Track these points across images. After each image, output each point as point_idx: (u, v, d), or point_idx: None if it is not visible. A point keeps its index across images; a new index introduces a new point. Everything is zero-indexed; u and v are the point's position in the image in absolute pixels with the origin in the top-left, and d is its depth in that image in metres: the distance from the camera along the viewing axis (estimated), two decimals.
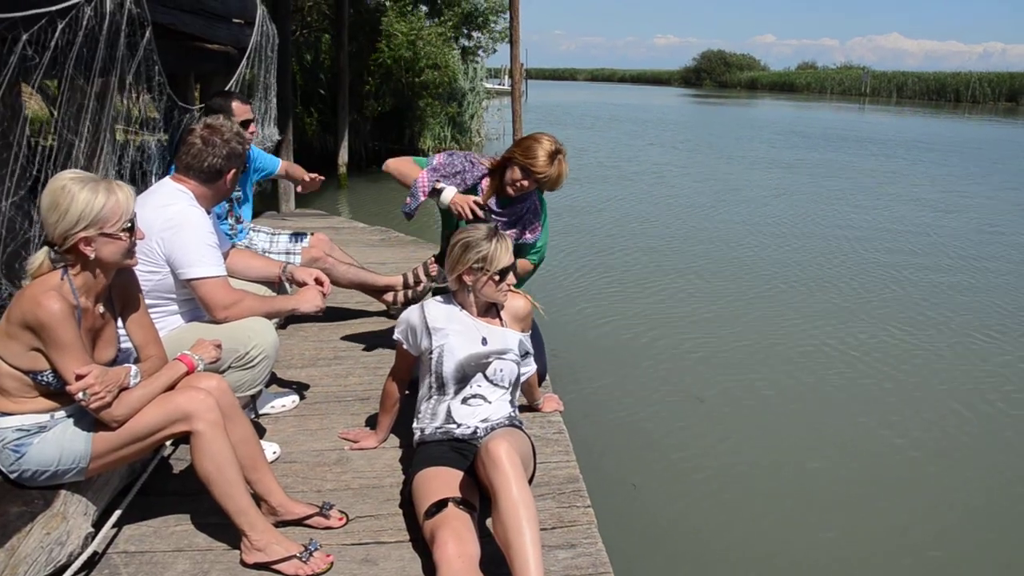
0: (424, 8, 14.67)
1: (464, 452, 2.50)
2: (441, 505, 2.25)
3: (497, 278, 2.60)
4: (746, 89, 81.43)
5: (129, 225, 2.08)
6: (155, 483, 2.70)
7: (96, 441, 2.12)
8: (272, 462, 2.81)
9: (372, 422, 3.13)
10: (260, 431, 3.06)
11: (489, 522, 2.44)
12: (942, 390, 5.15)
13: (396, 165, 3.57)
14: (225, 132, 2.77)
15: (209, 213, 2.82)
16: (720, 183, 14.40)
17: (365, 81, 14.19)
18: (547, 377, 3.58)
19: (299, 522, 2.42)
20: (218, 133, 2.75)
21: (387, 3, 14.70)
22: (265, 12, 5.30)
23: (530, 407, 3.23)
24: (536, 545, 2.04)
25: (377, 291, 4.28)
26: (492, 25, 16.96)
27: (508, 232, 3.29)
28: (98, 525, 2.29)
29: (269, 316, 2.78)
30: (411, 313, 2.71)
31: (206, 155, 2.73)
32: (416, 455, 2.56)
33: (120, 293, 2.28)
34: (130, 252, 2.14)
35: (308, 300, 2.94)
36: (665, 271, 7.93)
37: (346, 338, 4.23)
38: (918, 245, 9.35)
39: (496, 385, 2.63)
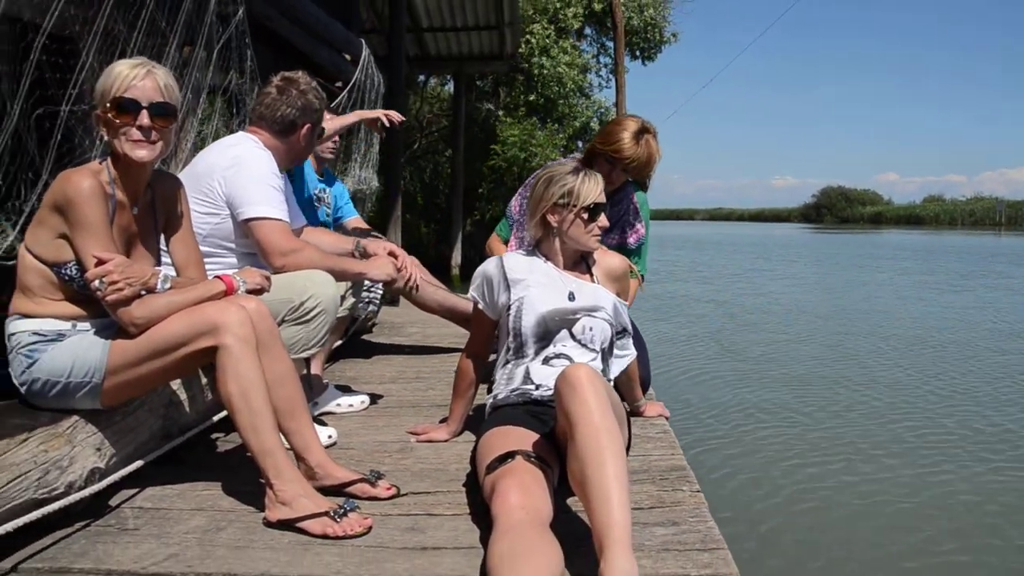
0: (536, 118, 15.03)
1: (543, 417, 2.04)
2: (506, 458, 1.80)
3: (586, 216, 2.23)
4: (870, 223, 78.97)
5: (137, 107, 1.82)
6: (194, 456, 2.38)
7: (113, 350, 1.83)
8: (325, 447, 2.43)
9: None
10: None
11: (570, 501, 1.96)
12: None
13: (487, 251, 3.30)
14: (302, 83, 2.61)
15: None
16: (853, 292, 13.58)
17: (479, 186, 14.49)
18: (651, 389, 3.08)
19: (339, 489, 2.01)
20: (294, 84, 2.59)
21: (500, 112, 15.20)
22: (370, 55, 5.40)
23: (629, 410, 2.73)
24: (621, 483, 1.55)
25: (465, 319, 3.93)
26: None
27: (608, 238, 2.93)
28: (114, 473, 1.97)
29: (333, 274, 2.48)
30: (488, 265, 2.35)
31: (280, 104, 2.56)
32: (485, 422, 2.13)
33: (164, 203, 2.05)
34: (138, 141, 1.84)
35: (379, 266, 2.65)
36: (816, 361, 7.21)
37: (432, 363, 3.89)
38: None
39: (584, 346, 2.20)
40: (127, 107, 1.82)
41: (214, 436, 2.59)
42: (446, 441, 2.53)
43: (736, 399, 5.98)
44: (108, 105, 1.82)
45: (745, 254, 26.42)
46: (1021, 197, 73.40)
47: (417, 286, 2.98)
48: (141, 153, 1.85)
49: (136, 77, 1.83)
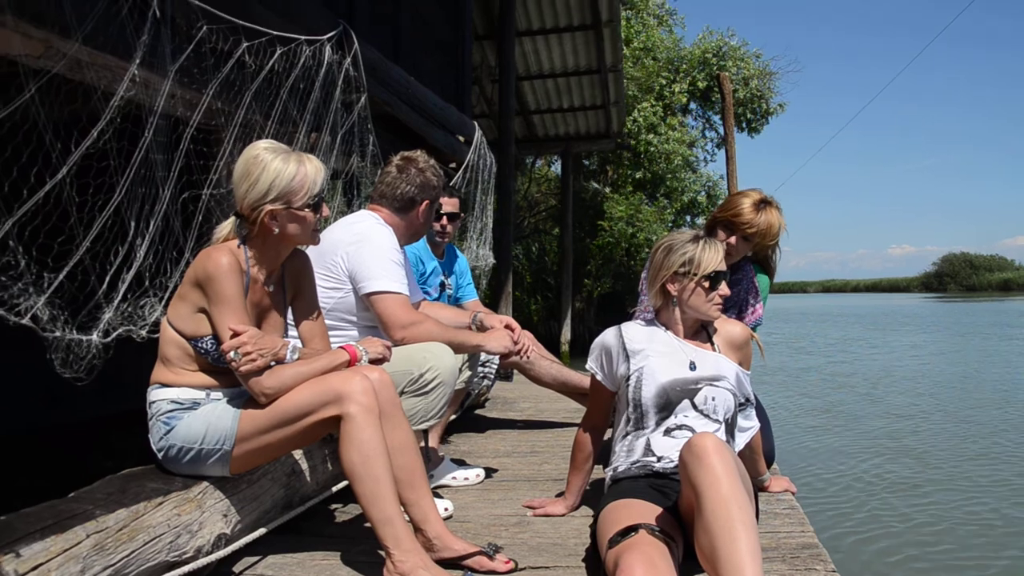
0: (642, 194, 15.06)
1: (665, 490, 1.97)
2: (629, 532, 1.73)
3: (707, 284, 2.17)
4: (999, 291, 73.86)
5: (315, 201, 1.98)
6: (313, 526, 2.40)
7: (243, 419, 1.90)
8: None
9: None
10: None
11: None
12: None
13: None
14: (420, 162, 2.70)
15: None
16: (985, 362, 12.74)
17: (587, 263, 14.55)
18: (775, 464, 2.92)
19: (458, 562, 1.97)
20: (413, 163, 2.70)
21: (608, 189, 15.32)
22: (483, 136, 5.58)
23: (755, 485, 2.59)
24: (754, 556, 1.46)
25: (580, 394, 3.88)
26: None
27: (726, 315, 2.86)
28: (238, 539, 2.01)
29: (451, 346, 2.50)
30: (607, 335, 2.32)
31: (400, 183, 2.66)
32: (606, 495, 2.06)
33: (293, 278, 2.14)
34: (314, 232, 2.03)
35: (496, 338, 2.67)
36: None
37: (546, 438, 3.84)
38: None
39: (707, 417, 2.12)
40: (319, 205, 1.99)
41: (333, 507, 2.62)
42: (563, 515, 2.46)
43: (861, 473, 5.65)
44: (305, 202, 1.95)
45: (866, 325, 25.25)
46: None
47: (534, 355, 2.99)
48: (318, 240, 2.06)
49: (319, 173, 1.98)
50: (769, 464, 2.79)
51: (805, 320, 27.92)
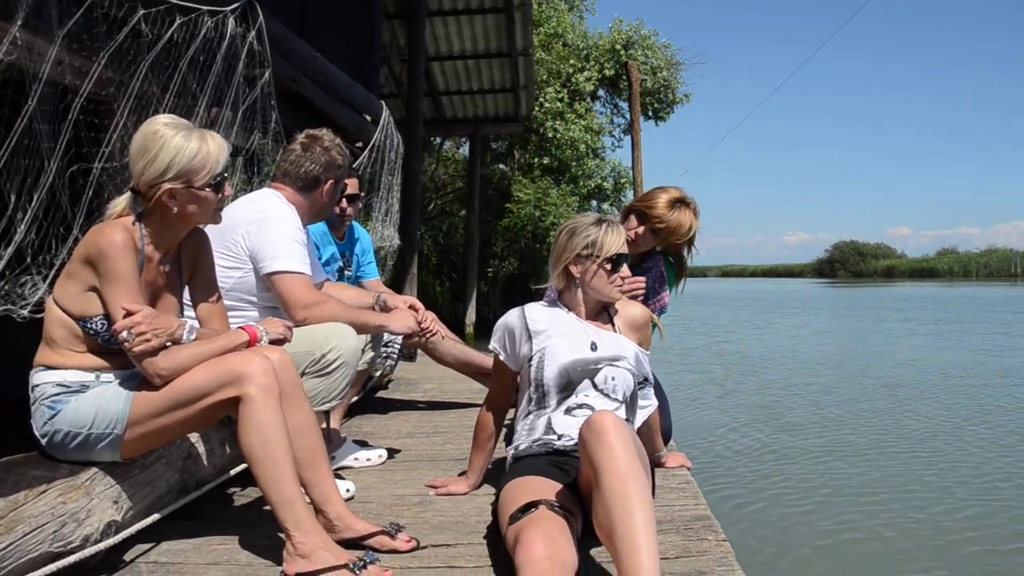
0: (549, 179, 15.21)
1: (565, 467, 2.02)
2: (530, 508, 1.77)
3: (608, 267, 2.23)
4: (883, 277, 78.70)
5: (217, 180, 1.92)
6: (210, 510, 2.35)
7: (136, 401, 1.83)
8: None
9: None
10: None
11: (594, 551, 1.92)
12: None
13: None
14: (326, 141, 2.65)
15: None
16: (870, 341, 13.69)
17: (493, 245, 14.60)
18: (672, 441, 3.04)
19: (359, 541, 1.97)
20: (318, 142, 2.64)
21: (515, 173, 15.41)
22: (390, 117, 5.51)
23: (652, 461, 2.68)
24: (649, 529, 1.52)
25: (483, 374, 3.91)
26: (620, 199, 17.30)
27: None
28: (130, 526, 1.94)
29: (354, 327, 2.48)
30: (510, 316, 2.35)
31: (304, 161, 2.60)
32: (507, 473, 2.10)
33: (190, 257, 2.08)
34: (215, 211, 1.97)
35: (400, 318, 2.66)
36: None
37: (449, 418, 3.86)
38: None
39: (607, 396, 2.18)
40: (221, 184, 1.94)
41: (231, 490, 2.56)
42: (465, 494, 2.49)
43: (757, 448, 5.95)
44: (206, 182, 1.89)
45: (757, 308, 26.62)
46: None
47: (437, 336, 2.99)
48: (219, 219, 2.01)
49: (222, 152, 1.92)
50: (666, 440, 2.89)
51: (701, 303, 29.12)
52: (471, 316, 13.47)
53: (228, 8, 3.09)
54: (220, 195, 1.96)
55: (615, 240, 2.23)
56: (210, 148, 1.90)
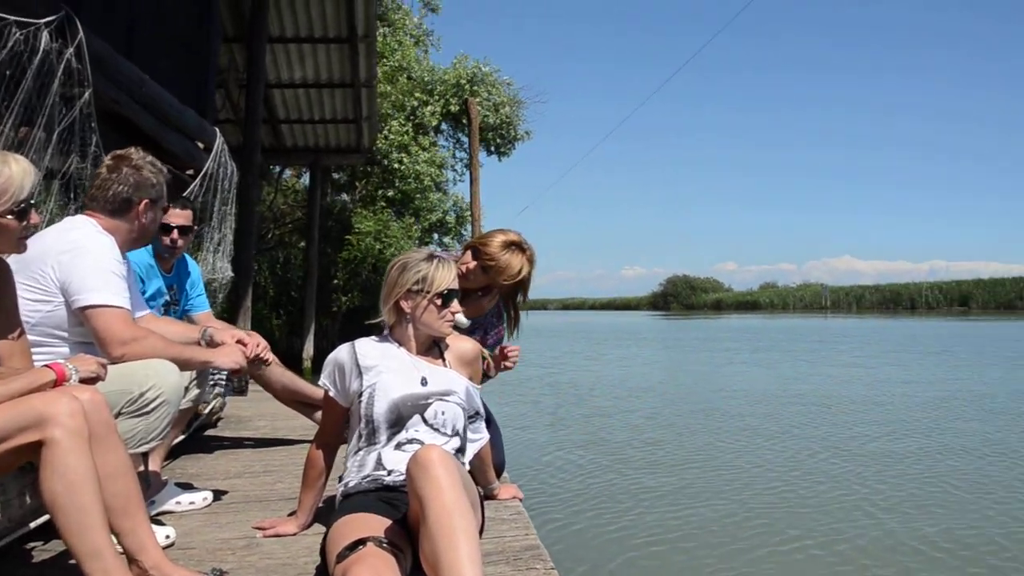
0: (391, 211, 15.17)
1: (395, 503, 2.02)
2: (357, 545, 1.76)
3: (439, 303, 2.28)
4: (712, 309, 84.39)
5: (20, 207, 1.79)
6: (7, 569, 2.16)
7: None
8: (163, 548, 2.27)
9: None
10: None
11: None
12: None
13: None
14: (134, 159, 2.51)
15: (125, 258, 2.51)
16: (697, 371, 14.62)
17: (333, 277, 14.34)
18: (505, 473, 3.10)
19: None
20: (126, 160, 2.49)
21: (357, 205, 15.27)
22: (224, 144, 5.32)
23: (483, 494, 2.73)
24: (474, 562, 1.56)
25: (311, 407, 3.81)
26: (462, 233, 17.52)
27: (473, 336, 2.99)
28: None
29: (177, 363, 2.37)
30: (340, 352, 2.34)
31: (112, 183, 2.45)
32: (336, 511, 2.08)
33: None
34: (19, 240, 1.85)
35: (227, 354, 2.57)
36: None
37: (281, 456, 3.74)
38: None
39: (437, 431, 2.21)
40: (26, 211, 1.83)
41: (31, 545, 2.36)
42: (295, 535, 2.43)
43: (586, 474, 6.16)
44: (7, 208, 1.78)
45: (592, 340, 27.79)
46: (841, 283, 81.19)
47: (267, 362, 2.91)
48: (23, 248, 1.90)
49: (27, 176, 1.79)
50: (499, 473, 2.96)
51: (540, 336, 30.11)
52: (308, 350, 13.14)
53: (42, 21, 2.90)
54: (25, 223, 1.84)
55: (446, 276, 2.28)
56: (12, 171, 1.79)
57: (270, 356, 3.16)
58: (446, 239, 17.32)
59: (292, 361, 12.08)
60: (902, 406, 9.95)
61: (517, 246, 3.04)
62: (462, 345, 2.44)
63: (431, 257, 2.32)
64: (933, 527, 4.71)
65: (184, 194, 4.46)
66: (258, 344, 2.91)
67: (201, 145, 5.29)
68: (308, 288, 13.30)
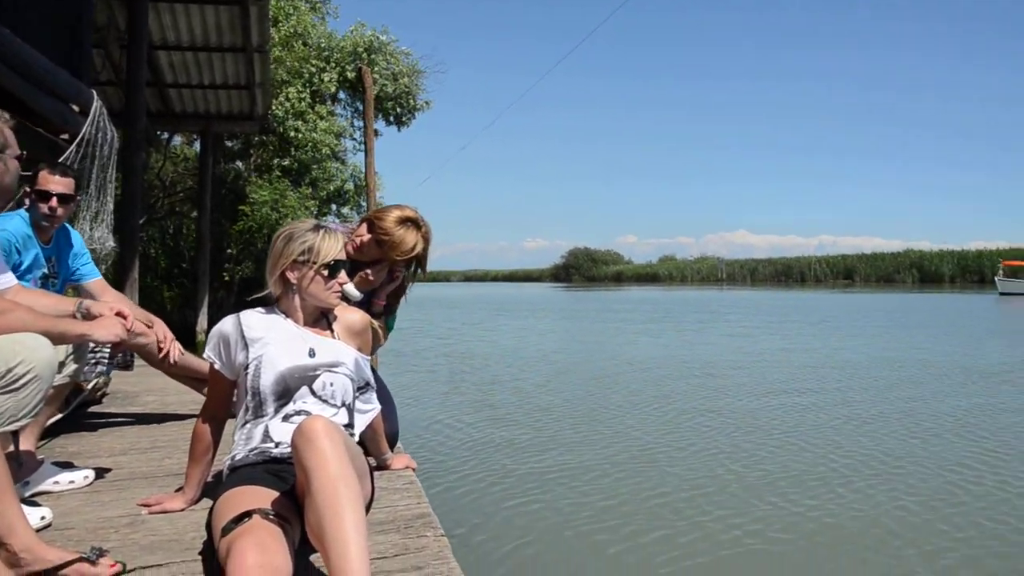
0: (288, 180, 14.78)
1: (283, 475, 2.02)
2: (243, 518, 1.76)
3: (325, 273, 2.26)
4: (613, 281, 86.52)
5: None
6: None
7: None
8: (38, 530, 2.19)
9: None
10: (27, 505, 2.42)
11: (314, 558, 1.95)
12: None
13: None
14: None
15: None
16: (594, 340, 15.06)
17: (227, 248, 13.91)
18: (399, 443, 3.13)
19: (52, 574, 1.82)
20: None
21: (251, 174, 14.81)
22: (103, 108, 5.03)
23: (376, 465, 2.76)
24: (359, 531, 1.58)
25: (201, 381, 3.71)
26: (361, 204, 17.24)
27: (356, 301, 2.98)
28: None
29: (50, 337, 2.26)
30: (225, 323, 2.30)
31: None
32: (222, 484, 2.05)
33: None
34: None
35: (105, 326, 2.46)
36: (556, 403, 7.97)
37: (170, 432, 3.64)
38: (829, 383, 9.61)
39: (325, 402, 2.21)
40: None
41: None
42: (182, 510, 2.39)
43: (479, 442, 6.33)
44: None
45: (492, 311, 28.11)
46: (737, 257, 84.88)
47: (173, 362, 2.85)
48: None
49: None
50: (393, 443, 2.98)
51: (440, 307, 30.33)
52: (202, 323, 12.74)
53: None
54: None
55: (332, 246, 2.27)
56: None
57: (176, 352, 3.11)
58: (344, 209, 17.03)
59: (186, 334, 11.69)
60: (771, 370, 10.79)
61: (413, 222, 3.04)
62: (350, 316, 2.44)
63: (317, 227, 2.30)
64: (782, 472, 5.31)
65: (60, 160, 4.22)
66: (164, 337, 2.84)
67: (77, 108, 4.99)
68: (201, 259, 12.85)
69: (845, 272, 70.28)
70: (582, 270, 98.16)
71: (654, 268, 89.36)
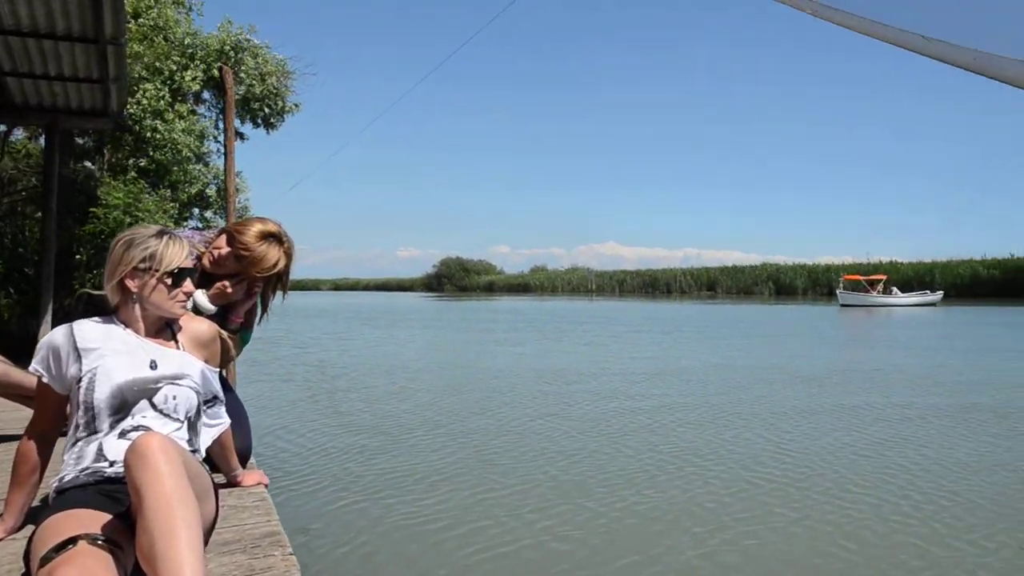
0: (145, 182, 14.00)
1: (118, 496, 1.89)
2: (68, 544, 1.62)
3: (169, 282, 2.14)
4: (485, 291, 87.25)
5: None
6: None
7: None
8: None
9: None
10: None
11: None
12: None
13: None
14: None
15: None
16: (460, 351, 15.29)
17: (76, 253, 13.00)
18: (252, 459, 3.00)
19: None
20: None
21: (103, 174, 13.94)
22: None
23: (226, 481, 2.63)
24: (195, 554, 1.50)
25: (25, 396, 3.43)
26: (225, 208, 16.53)
27: (209, 313, 2.84)
28: None
29: None
30: (55, 334, 2.14)
31: None
32: (48, 509, 1.89)
33: None
34: None
35: None
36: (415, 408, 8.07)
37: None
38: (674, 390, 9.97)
39: (168, 416, 2.09)
40: None
41: None
42: (2, 539, 2.19)
43: (337, 453, 6.29)
44: None
45: (359, 321, 27.99)
46: (607, 268, 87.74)
47: None
48: None
49: None
50: (245, 459, 2.86)
51: (307, 317, 29.86)
52: (46, 332, 11.80)
53: None
54: None
55: (177, 253, 2.16)
56: None
57: None
58: (207, 214, 16.29)
59: (27, 344, 10.75)
60: (613, 378, 11.33)
61: (275, 238, 2.93)
62: (197, 326, 2.32)
63: (161, 233, 2.18)
64: (597, 472, 5.77)
65: None
66: None
67: None
68: (45, 265, 11.87)
69: (708, 284, 73.94)
70: (454, 280, 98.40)
71: (526, 278, 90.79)
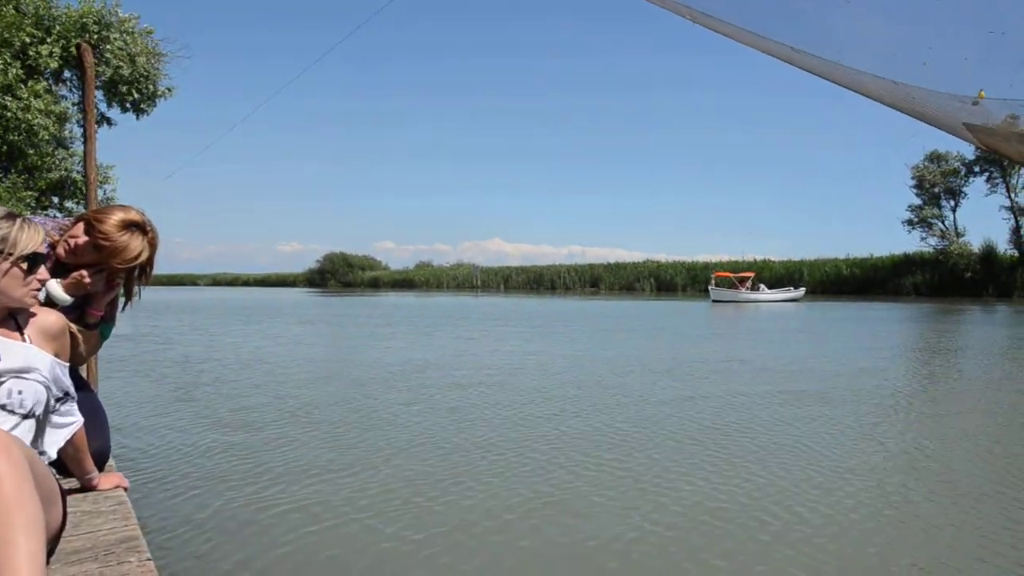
0: None
1: None
2: None
3: (24, 266, 1.96)
4: (370, 287, 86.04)
5: None
6: None
7: None
8: None
9: None
10: None
11: None
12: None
13: None
14: None
15: None
16: (334, 346, 15.13)
17: None
18: (112, 460, 2.81)
19: None
20: None
21: None
22: None
23: (80, 486, 2.44)
24: (34, 563, 1.36)
25: None
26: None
27: (65, 304, 2.62)
28: None
29: None
30: None
31: None
32: None
33: None
34: None
35: None
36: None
37: None
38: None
39: (12, 412, 1.91)
40: None
41: None
42: None
43: (203, 453, 6.04)
44: None
45: (235, 317, 27.20)
46: (492, 264, 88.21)
47: None
48: None
49: None
50: (103, 461, 2.66)
51: (183, 312, 28.63)
52: None
53: None
54: None
55: (32, 237, 1.98)
56: None
57: None
58: (69, 203, 15.27)
59: None
60: (476, 370, 11.54)
61: (138, 227, 2.72)
62: (45, 318, 2.13)
63: (12, 216, 1.99)
64: (469, 443, 6.09)
65: None
66: None
67: None
68: None
69: (592, 280, 75.52)
70: (338, 275, 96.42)
71: (411, 274, 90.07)
